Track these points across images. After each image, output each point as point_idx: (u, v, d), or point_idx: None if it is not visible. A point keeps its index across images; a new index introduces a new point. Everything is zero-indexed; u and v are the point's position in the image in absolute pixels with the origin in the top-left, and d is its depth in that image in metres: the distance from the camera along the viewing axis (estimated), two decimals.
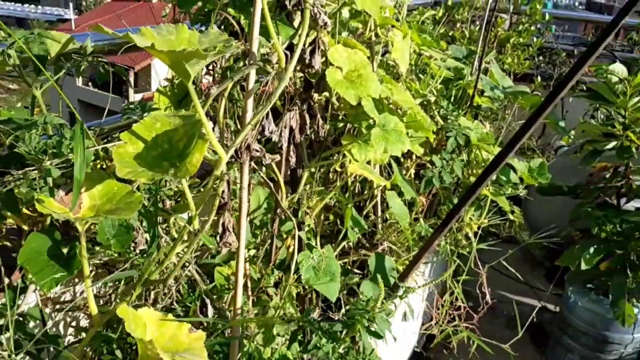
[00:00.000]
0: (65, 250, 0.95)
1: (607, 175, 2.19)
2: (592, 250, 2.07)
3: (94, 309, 0.93)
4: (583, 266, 2.05)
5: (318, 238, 1.66)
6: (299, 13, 1.15)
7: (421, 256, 1.58)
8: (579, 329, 2.30)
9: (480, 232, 2.15)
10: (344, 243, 1.75)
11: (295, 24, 1.21)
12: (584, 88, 2.42)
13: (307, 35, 1.12)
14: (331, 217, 1.87)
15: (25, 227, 1.02)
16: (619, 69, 1.90)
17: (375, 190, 1.86)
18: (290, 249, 1.52)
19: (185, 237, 0.97)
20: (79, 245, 0.92)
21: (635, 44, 3.95)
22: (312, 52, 1.13)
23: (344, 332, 1.13)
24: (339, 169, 1.67)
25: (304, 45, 1.12)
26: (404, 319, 2.05)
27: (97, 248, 1.08)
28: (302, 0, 1.07)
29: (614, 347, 2.26)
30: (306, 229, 1.44)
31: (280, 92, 1.01)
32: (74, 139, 0.81)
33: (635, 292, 2.08)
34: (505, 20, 3.99)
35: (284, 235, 1.51)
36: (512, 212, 2.36)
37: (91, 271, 1.11)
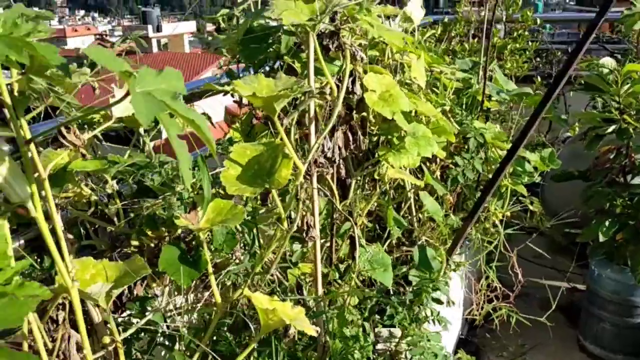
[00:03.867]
0: (189, 257, 1.23)
1: (612, 157, 2.44)
2: (607, 224, 2.31)
3: (218, 298, 1.21)
4: (601, 238, 2.29)
5: (364, 241, 1.93)
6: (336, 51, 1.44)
7: (460, 238, 1.84)
8: (606, 298, 2.52)
9: (505, 223, 2.40)
10: (387, 242, 2.02)
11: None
12: (582, 82, 2.69)
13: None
14: (369, 224, 2.14)
15: (152, 244, 1.30)
16: (608, 62, 2.17)
17: (409, 193, 2.14)
18: (346, 248, 1.79)
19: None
20: (201, 250, 1.20)
21: (624, 35, 4.22)
22: (353, 82, 1.42)
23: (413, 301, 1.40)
24: (377, 177, 1.94)
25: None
26: (448, 305, 2.30)
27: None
28: (342, 44, 1.36)
29: None
30: (359, 228, 1.71)
31: (335, 116, 1.30)
32: (199, 168, 1.09)
33: None
34: (500, 29, 4.29)
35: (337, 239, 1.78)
36: (532, 203, 2.62)
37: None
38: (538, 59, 4.55)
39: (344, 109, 1.58)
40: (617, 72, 2.17)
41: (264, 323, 1.13)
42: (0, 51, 0.57)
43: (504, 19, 4.15)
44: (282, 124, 1.27)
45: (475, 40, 3.81)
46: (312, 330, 1.13)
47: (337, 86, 1.32)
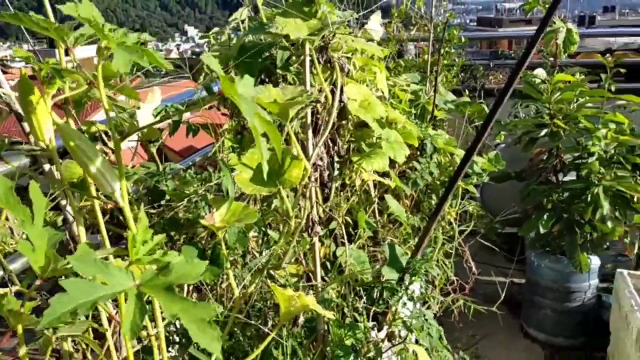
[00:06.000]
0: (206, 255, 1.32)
1: (544, 158, 2.72)
2: (545, 217, 2.58)
3: (236, 292, 1.30)
4: (541, 231, 2.55)
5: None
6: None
7: (426, 235, 2.01)
8: (545, 286, 2.79)
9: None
10: (357, 243, 2.17)
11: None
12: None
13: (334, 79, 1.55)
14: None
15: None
16: (540, 73, 2.45)
17: (374, 197, 2.30)
18: (327, 249, 1.92)
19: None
20: (219, 248, 1.29)
21: (538, 50, 4.64)
22: (341, 91, 1.56)
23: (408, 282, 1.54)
24: (347, 181, 2.09)
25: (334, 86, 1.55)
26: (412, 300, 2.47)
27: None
28: (330, 57, 1.50)
29: (576, 296, 2.76)
30: (343, 228, 1.84)
31: (332, 122, 1.43)
32: (223, 172, 1.19)
33: (585, 245, 2.61)
34: (411, 49, 4.62)
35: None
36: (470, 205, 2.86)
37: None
38: (462, 74, 4.91)
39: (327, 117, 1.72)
40: (548, 81, 2.45)
41: (286, 310, 1.23)
42: (125, 57, 0.66)
43: (431, 37, 4.48)
44: (282, 130, 1.39)
45: (410, 57, 4.08)
46: (329, 314, 1.25)
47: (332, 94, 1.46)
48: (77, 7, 0.65)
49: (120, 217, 1.35)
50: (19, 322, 0.70)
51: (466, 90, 4.49)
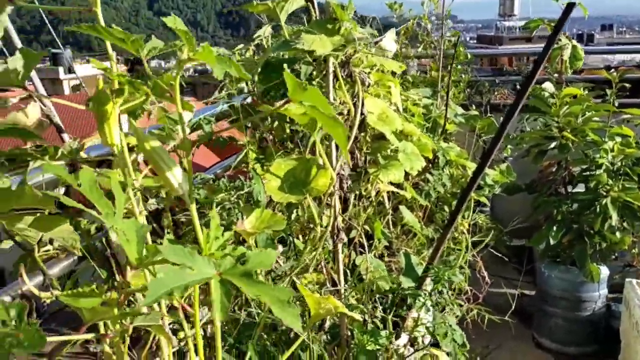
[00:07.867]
0: None
1: (553, 170, 2.78)
2: (555, 228, 2.63)
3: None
4: (551, 242, 2.60)
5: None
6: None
7: (442, 244, 2.06)
8: (556, 296, 2.83)
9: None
10: (372, 253, 2.22)
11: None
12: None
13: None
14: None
15: None
16: (549, 87, 2.52)
17: (388, 208, 2.36)
18: (346, 257, 1.97)
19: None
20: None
21: (544, 66, 4.73)
22: (362, 104, 1.63)
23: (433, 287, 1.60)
24: (363, 193, 2.15)
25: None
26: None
27: None
28: (352, 71, 1.57)
29: (586, 305, 2.81)
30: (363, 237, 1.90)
31: (354, 134, 1.50)
32: (254, 181, 1.25)
33: (595, 255, 2.66)
34: (413, 66, 4.72)
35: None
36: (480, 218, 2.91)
37: None
38: (468, 90, 4.99)
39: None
40: (556, 95, 2.52)
41: (315, 313, 1.28)
42: (221, 68, 0.73)
43: (441, 54, 4.57)
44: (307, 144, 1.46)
45: (418, 73, 4.16)
46: (357, 315, 1.30)
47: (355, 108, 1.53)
48: (175, 20, 0.72)
49: (153, 225, 1.41)
50: (95, 316, 0.76)
51: (472, 105, 4.58)
